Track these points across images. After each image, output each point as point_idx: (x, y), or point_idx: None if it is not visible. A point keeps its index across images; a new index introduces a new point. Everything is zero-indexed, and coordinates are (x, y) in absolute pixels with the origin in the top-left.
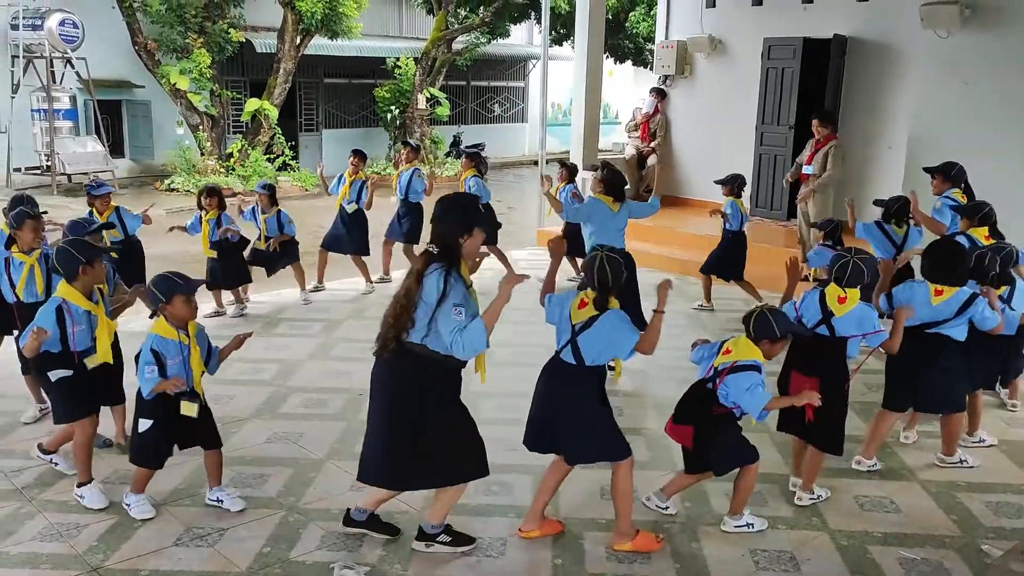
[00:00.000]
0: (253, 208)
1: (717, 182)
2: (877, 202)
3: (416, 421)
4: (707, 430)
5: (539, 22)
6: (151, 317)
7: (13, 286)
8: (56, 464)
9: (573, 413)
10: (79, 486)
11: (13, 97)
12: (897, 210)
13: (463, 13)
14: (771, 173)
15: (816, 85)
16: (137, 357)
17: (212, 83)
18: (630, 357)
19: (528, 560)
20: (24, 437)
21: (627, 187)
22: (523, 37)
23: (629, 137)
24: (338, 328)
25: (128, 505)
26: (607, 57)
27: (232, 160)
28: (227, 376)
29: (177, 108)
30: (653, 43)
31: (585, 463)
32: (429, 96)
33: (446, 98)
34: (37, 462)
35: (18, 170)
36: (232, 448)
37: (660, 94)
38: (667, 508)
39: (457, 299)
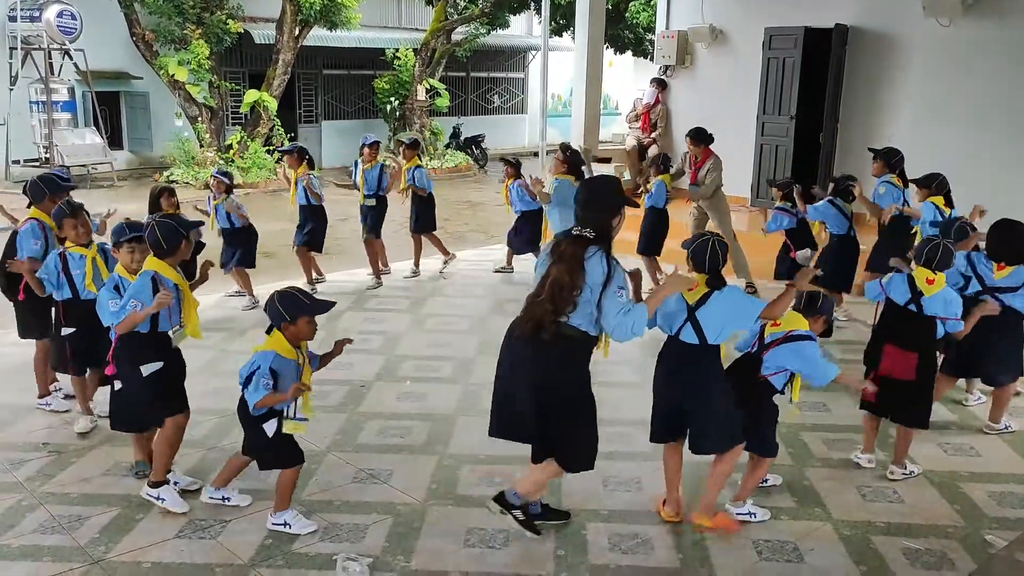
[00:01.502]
0: (210, 198)
1: (648, 166)
2: (871, 149)
3: (572, 400)
4: (752, 398)
5: (539, 12)
6: (267, 332)
7: (72, 281)
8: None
9: (704, 400)
10: (154, 486)
11: (12, 89)
12: (844, 188)
13: (462, 3)
14: (772, 163)
15: (817, 75)
16: (250, 375)
17: (211, 74)
18: (757, 324)
19: (531, 551)
20: (24, 429)
21: (627, 178)
22: (523, 28)
23: (630, 128)
24: (339, 320)
25: (286, 525)
26: (607, 47)
27: (231, 152)
28: (229, 368)
29: (176, 99)
30: (653, 33)
31: (709, 453)
32: (429, 87)
33: (446, 89)
34: (38, 454)
35: (17, 162)
36: (235, 440)
37: (661, 84)
38: (755, 515)
39: (620, 281)
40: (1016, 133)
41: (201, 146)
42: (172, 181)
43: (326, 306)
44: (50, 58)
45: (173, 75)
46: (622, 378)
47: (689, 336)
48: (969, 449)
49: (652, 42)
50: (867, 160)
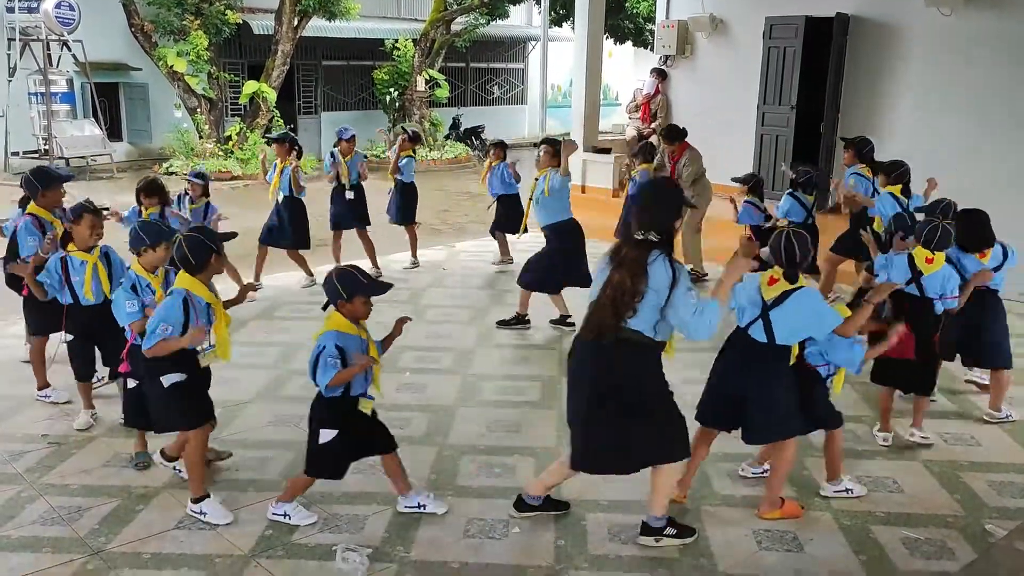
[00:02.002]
0: (179, 197)
1: (632, 155)
2: (843, 139)
3: (640, 404)
4: (803, 388)
5: (538, 3)
6: (323, 309)
7: (72, 287)
8: (180, 472)
9: (765, 395)
10: (196, 501)
11: (10, 81)
12: (806, 180)
13: None
14: (773, 153)
15: (818, 64)
16: (316, 360)
17: (210, 65)
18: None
19: (531, 542)
20: (24, 421)
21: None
22: (523, 18)
23: (630, 118)
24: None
25: (286, 516)
26: (607, 38)
27: (231, 143)
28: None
29: (175, 91)
30: (653, 23)
31: (760, 444)
32: (428, 78)
33: (445, 80)
34: (38, 445)
35: (16, 154)
36: (234, 431)
37: (661, 74)
38: (852, 490)
39: (687, 282)
40: (1017, 123)
41: (200, 137)
42: (171, 173)
43: (383, 287)
44: (48, 49)
45: (172, 66)
46: None
47: (758, 334)
48: (969, 439)
49: (652, 32)
50: None
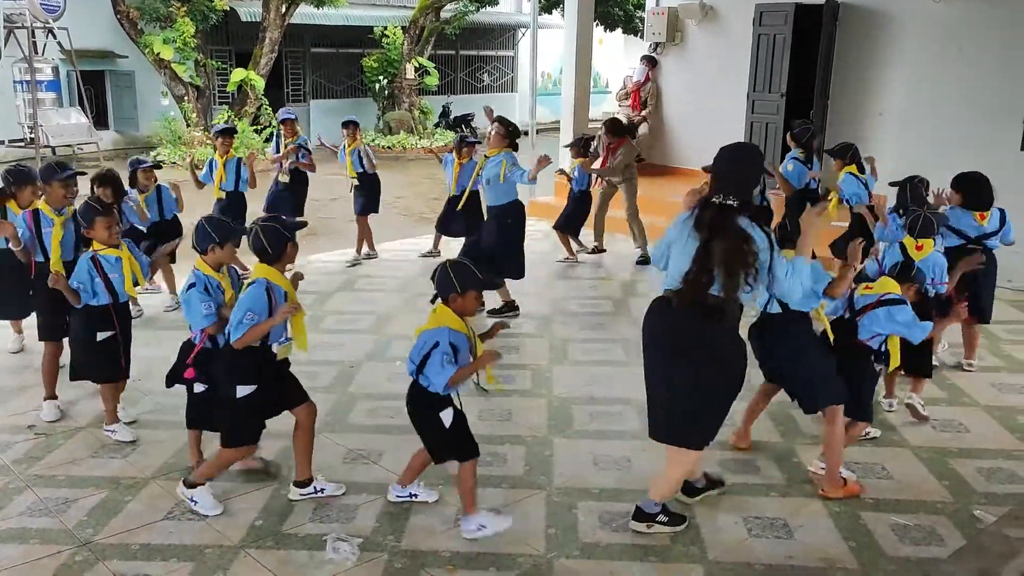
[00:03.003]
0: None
1: (566, 145)
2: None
3: (737, 376)
4: (850, 362)
5: None
6: (431, 303)
7: (111, 286)
8: (323, 490)
9: (797, 363)
10: (190, 486)
11: None
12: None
13: None
14: (763, 141)
15: (808, 51)
16: (425, 358)
17: (196, 53)
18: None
19: (522, 530)
20: (9, 412)
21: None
22: (512, 5)
23: (620, 106)
24: (328, 301)
25: (414, 496)
26: (597, 25)
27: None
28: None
29: (161, 78)
30: (643, 10)
31: (813, 412)
32: (417, 66)
33: (435, 68)
34: (25, 437)
35: (1, 143)
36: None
37: (651, 62)
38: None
39: (777, 247)
40: (1007, 109)
41: (188, 125)
42: (160, 161)
43: (493, 283)
44: (33, 37)
45: (158, 54)
46: (612, 356)
47: (773, 307)
48: (958, 425)
49: (642, 19)
50: (858, 136)
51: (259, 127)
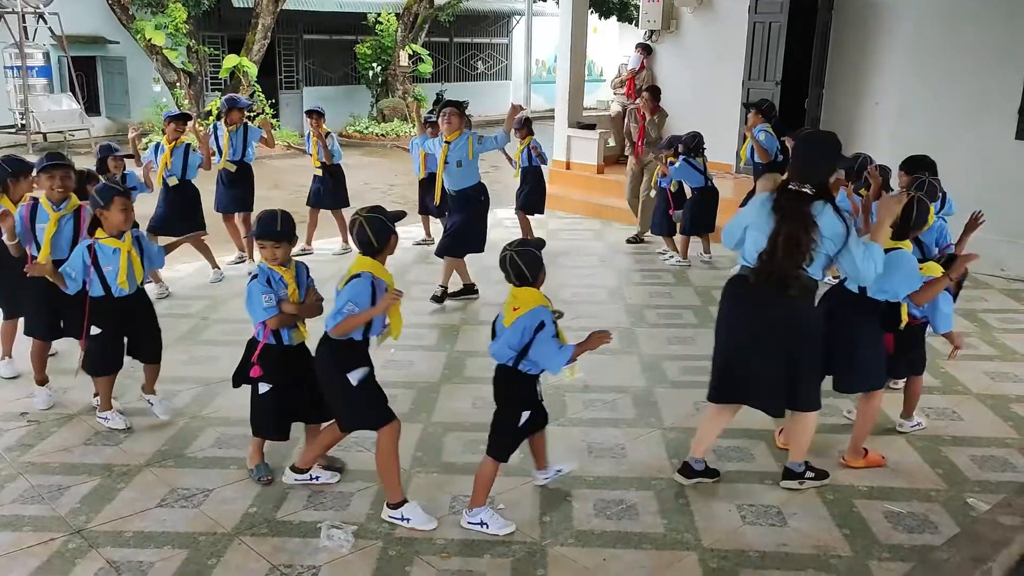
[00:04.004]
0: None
1: (516, 127)
2: (744, 104)
3: (804, 348)
4: (904, 338)
5: None
6: (519, 283)
7: (103, 277)
8: (317, 478)
9: (856, 342)
10: (395, 507)
11: None
12: (695, 145)
13: None
14: None
15: (803, 39)
16: (532, 337)
17: (188, 39)
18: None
19: (517, 518)
20: (1, 400)
21: (611, 144)
22: None
23: (615, 94)
24: (321, 288)
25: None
26: (592, 13)
27: (211, 118)
28: (210, 337)
29: (153, 64)
30: None
31: (852, 392)
32: (411, 53)
33: (429, 55)
34: (17, 424)
35: None
36: (217, 409)
37: (646, 50)
38: (921, 424)
39: (853, 229)
40: (1003, 96)
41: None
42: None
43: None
44: (24, 22)
45: (150, 40)
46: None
47: (852, 285)
48: (952, 413)
49: (637, 7)
50: (854, 125)
51: (252, 114)
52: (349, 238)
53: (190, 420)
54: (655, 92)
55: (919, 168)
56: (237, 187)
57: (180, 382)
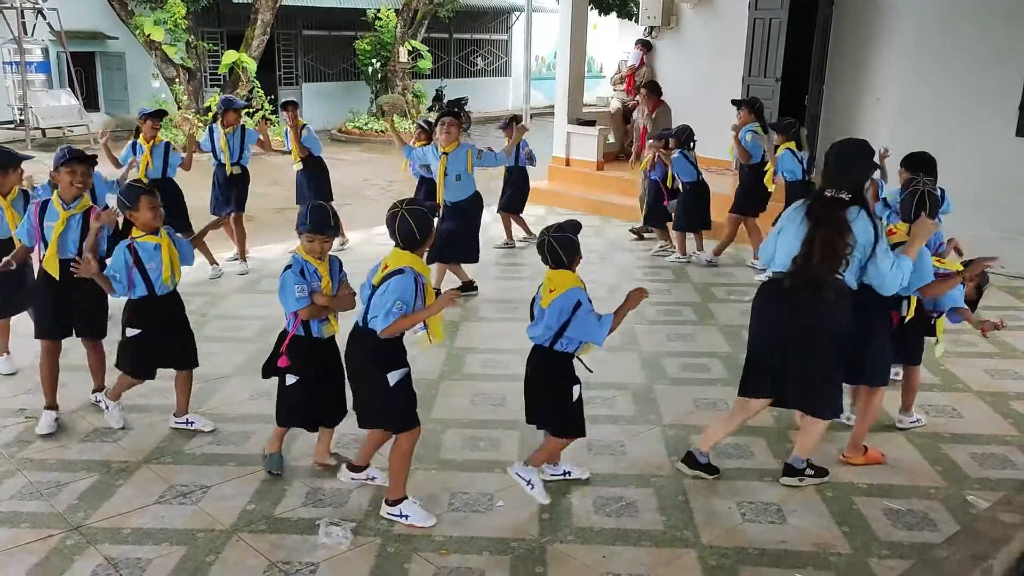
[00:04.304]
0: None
1: (500, 127)
2: (734, 101)
3: (830, 349)
4: (906, 327)
5: None
6: (555, 267)
7: (147, 276)
8: (375, 479)
9: (876, 341)
10: (394, 504)
11: None
12: (687, 138)
13: None
14: None
15: (804, 36)
16: (570, 316)
17: (188, 34)
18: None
19: (516, 515)
20: (2, 395)
21: (611, 141)
22: None
23: (615, 90)
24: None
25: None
26: (592, 9)
27: (210, 114)
28: (209, 334)
29: (152, 60)
30: None
31: (867, 384)
32: (411, 49)
33: (428, 51)
34: (14, 420)
35: None
36: (214, 405)
37: (646, 46)
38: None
39: (885, 238)
40: (1004, 93)
41: (179, 108)
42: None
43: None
44: (23, 17)
45: (149, 35)
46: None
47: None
48: (951, 410)
49: (637, 3)
50: (854, 122)
51: (251, 110)
52: (346, 232)
53: (187, 417)
54: (653, 88)
55: (919, 165)
56: (233, 189)
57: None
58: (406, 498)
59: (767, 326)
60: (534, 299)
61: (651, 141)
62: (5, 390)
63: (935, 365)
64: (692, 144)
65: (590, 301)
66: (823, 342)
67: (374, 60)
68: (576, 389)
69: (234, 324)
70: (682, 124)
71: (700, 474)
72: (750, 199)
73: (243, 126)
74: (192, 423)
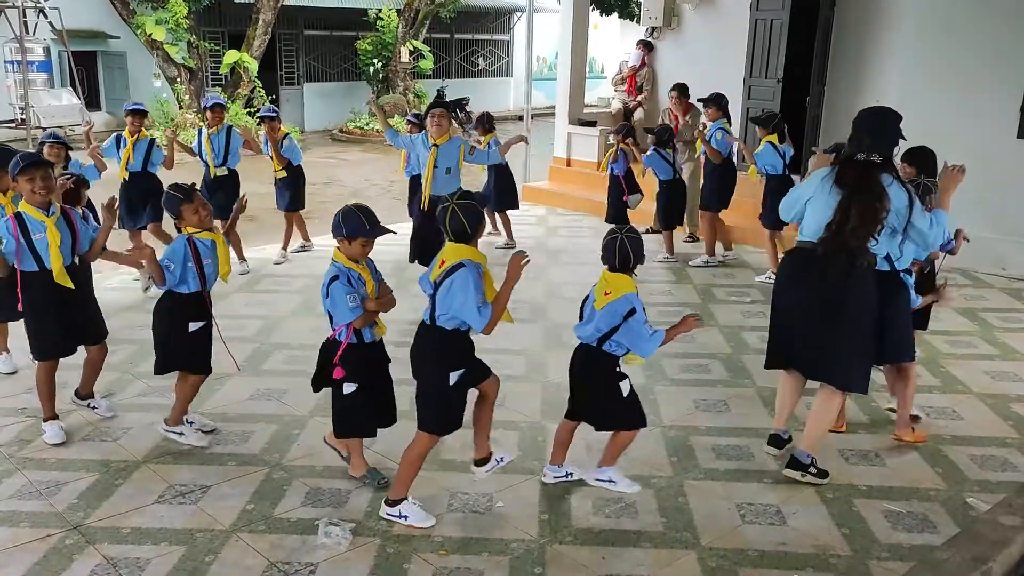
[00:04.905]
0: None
1: (473, 127)
2: (700, 100)
3: (858, 320)
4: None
5: None
6: (622, 268)
7: (203, 271)
8: (501, 460)
9: (900, 320)
10: (393, 503)
11: None
12: (667, 138)
13: None
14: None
15: (806, 37)
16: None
17: (189, 34)
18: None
19: (515, 515)
20: (1, 394)
21: (611, 142)
22: None
23: (615, 91)
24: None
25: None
26: (593, 9)
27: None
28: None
29: (154, 60)
30: None
31: (897, 362)
32: (412, 49)
33: (429, 51)
34: (14, 419)
35: None
36: (215, 405)
37: (647, 47)
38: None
39: (916, 199)
40: (1004, 97)
41: (180, 108)
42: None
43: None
44: (24, 16)
45: (151, 35)
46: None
47: (881, 264)
48: (951, 412)
49: (638, 4)
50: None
51: (252, 109)
52: (295, 242)
53: (186, 416)
54: (684, 91)
55: (919, 160)
56: (219, 193)
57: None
58: (406, 499)
59: (796, 294)
60: (586, 298)
61: (611, 137)
62: (4, 389)
63: (936, 367)
64: (672, 143)
65: (644, 310)
66: (852, 311)
67: (375, 60)
68: (625, 384)
69: (234, 324)
70: (663, 124)
71: (809, 478)
72: (716, 195)
73: (229, 127)
74: (191, 422)
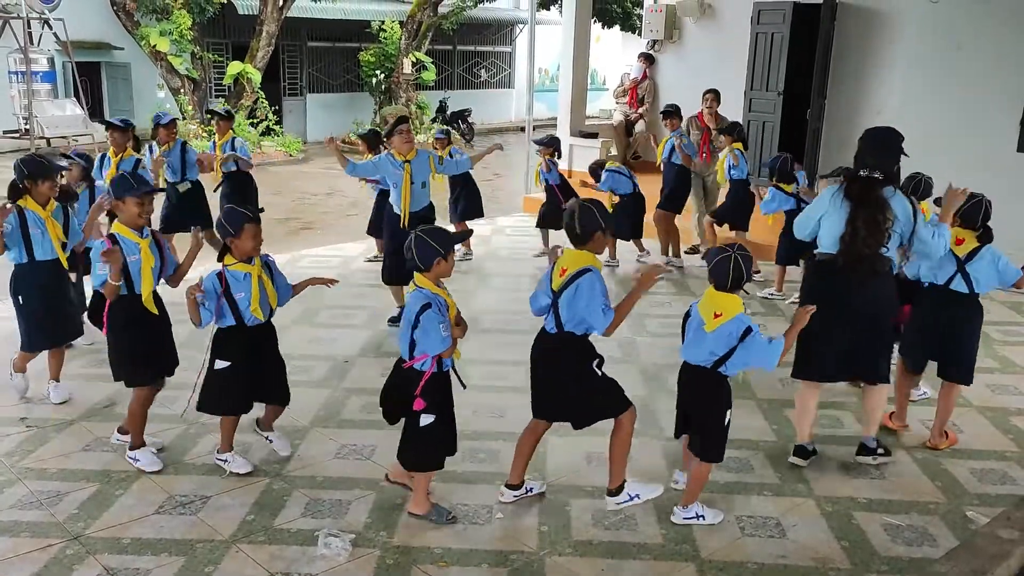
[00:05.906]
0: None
1: (438, 135)
2: (663, 111)
3: (879, 320)
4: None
5: None
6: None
7: (234, 306)
8: (531, 489)
9: (964, 335)
10: (619, 490)
11: None
12: (633, 154)
13: None
14: (760, 140)
15: (806, 51)
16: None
17: (193, 45)
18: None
19: (514, 527)
20: (2, 404)
21: (614, 153)
22: (510, 1)
23: (617, 103)
24: (321, 295)
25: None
26: (595, 22)
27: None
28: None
29: (157, 71)
30: (641, 7)
31: (955, 381)
32: (415, 61)
33: (432, 63)
34: (17, 429)
35: None
36: (212, 418)
37: (648, 59)
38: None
39: (920, 212)
40: (1004, 110)
41: (184, 118)
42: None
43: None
44: (29, 27)
45: (155, 46)
46: (606, 353)
47: (959, 286)
48: (951, 426)
49: (640, 16)
50: (855, 136)
51: (255, 121)
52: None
53: (188, 427)
54: (720, 96)
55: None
56: (183, 205)
57: (178, 388)
58: (626, 480)
59: (827, 304)
60: (686, 316)
61: (538, 147)
62: (6, 399)
63: (935, 381)
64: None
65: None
66: (878, 312)
67: (378, 72)
68: (729, 413)
69: None
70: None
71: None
72: (671, 198)
73: (183, 143)
74: (271, 440)
